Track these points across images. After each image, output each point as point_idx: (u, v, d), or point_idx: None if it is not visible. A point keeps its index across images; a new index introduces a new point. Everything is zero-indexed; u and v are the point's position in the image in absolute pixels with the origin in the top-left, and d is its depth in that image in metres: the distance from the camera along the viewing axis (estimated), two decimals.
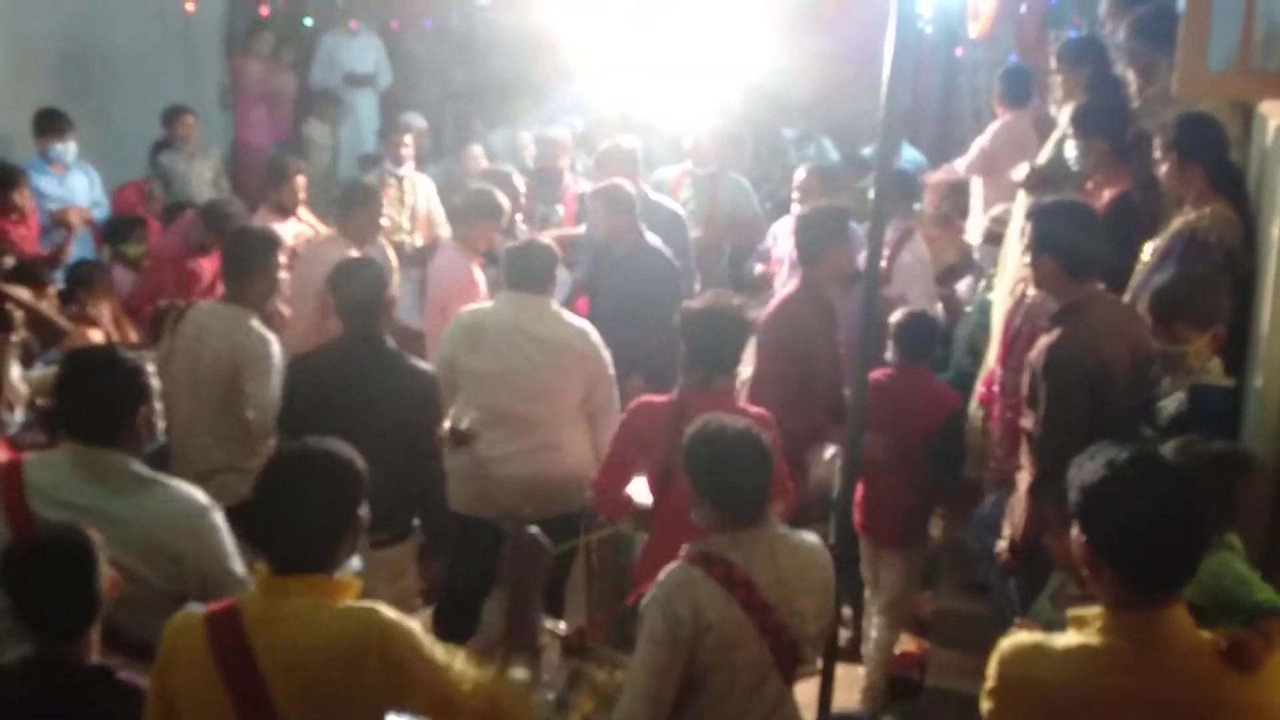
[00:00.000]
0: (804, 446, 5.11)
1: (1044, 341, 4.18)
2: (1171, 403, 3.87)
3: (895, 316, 5.47)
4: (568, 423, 5.04)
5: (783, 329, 5.19)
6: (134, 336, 6.31)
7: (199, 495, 3.27)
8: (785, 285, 6.07)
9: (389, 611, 2.75)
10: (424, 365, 4.77)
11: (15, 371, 4.88)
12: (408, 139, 7.87)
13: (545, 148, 7.70)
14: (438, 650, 2.80)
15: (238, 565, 3.24)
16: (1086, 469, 2.52)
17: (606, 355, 5.08)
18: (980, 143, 7.42)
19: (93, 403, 3.23)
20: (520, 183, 6.94)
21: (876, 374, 5.20)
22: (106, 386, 3.24)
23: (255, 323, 4.75)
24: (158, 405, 3.36)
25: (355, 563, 2.96)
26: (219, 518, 3.26)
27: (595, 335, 5.10)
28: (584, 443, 5.07)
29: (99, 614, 2.81)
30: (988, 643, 2.68)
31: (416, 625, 2.81)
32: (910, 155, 8.65)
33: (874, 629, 5.48)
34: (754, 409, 4.44)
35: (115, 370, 3.27)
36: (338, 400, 4.37)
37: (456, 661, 2.81)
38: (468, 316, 5.17)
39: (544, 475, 4.94)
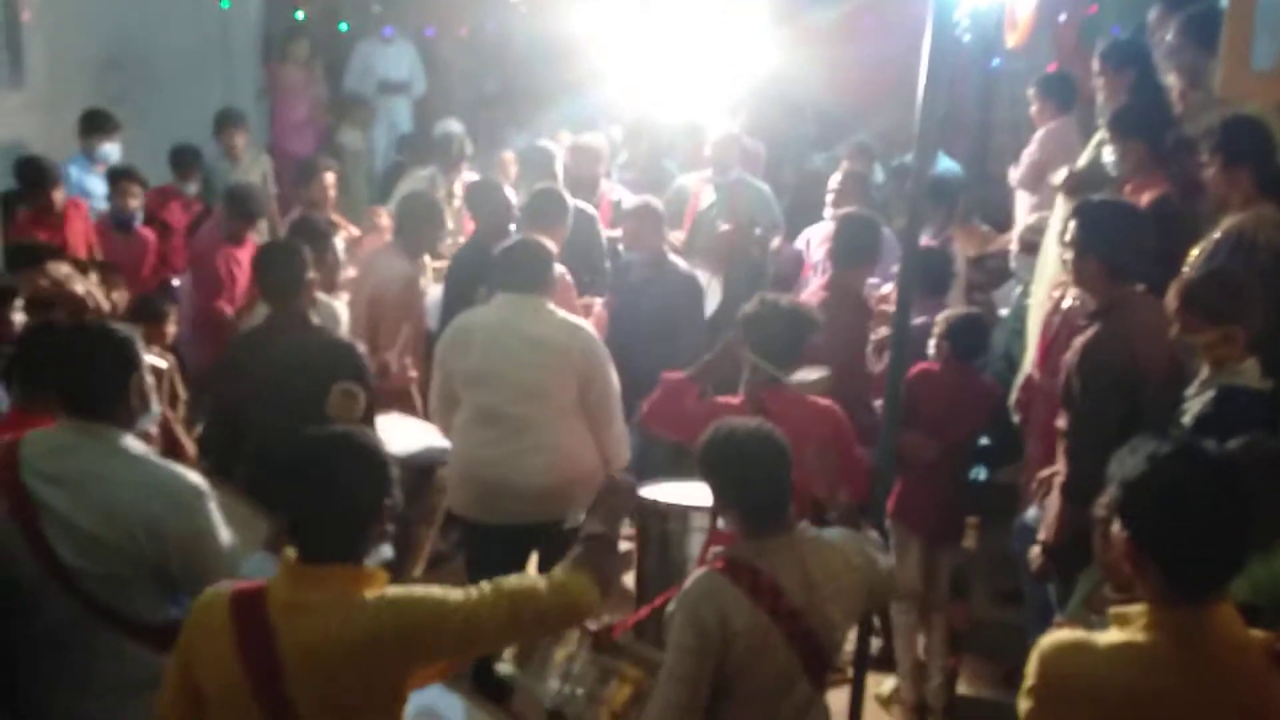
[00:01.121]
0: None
1: (1080, 341, 4.13)
2: (1197, 403, 3.81)
3: (943, 315, 5.41)
4: (564, 423, 4.88)
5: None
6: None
7: (192, 476, 3.25)
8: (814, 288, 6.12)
9: (394, 590, 2.73)
10: (347, 340, 4.97)
11: None
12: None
13: (581, 155, 7.67)
14: (456, 594, 2.78)
15: (223, 554, 3.21)
16: (1128, 463, 2.46)
17: (601, 351, 4.94)
18: (1029, 154, 7.28)
19: (84, 375, 3.22)
20: (510, 193, 6.90)
21: (921, 368, 5.20)
22: (98, 358, 3.23)
23: None
24: (149, 377, 3.35)
25: (386, 550, 2.92)
26: (211, 504, 3.23)
27: (588, 331, 4.99)
28: (585, 443, 4.93)
29: None
30: (1021, 652, 2.63)
31: (422, 589, 2.79)
32: (945, 164, 8.59)
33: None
34: (824, 402, 4.42)
35: (106, 342, 3.26)
36: (269, 374, 4.51)
37: (472, 593, 2.80)
38: (459, 320, 5.10)
39: (541, 479, 4.79)
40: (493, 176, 7.51)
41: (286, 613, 2.65)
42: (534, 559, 4.93)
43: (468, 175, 8.10)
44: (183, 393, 5.86)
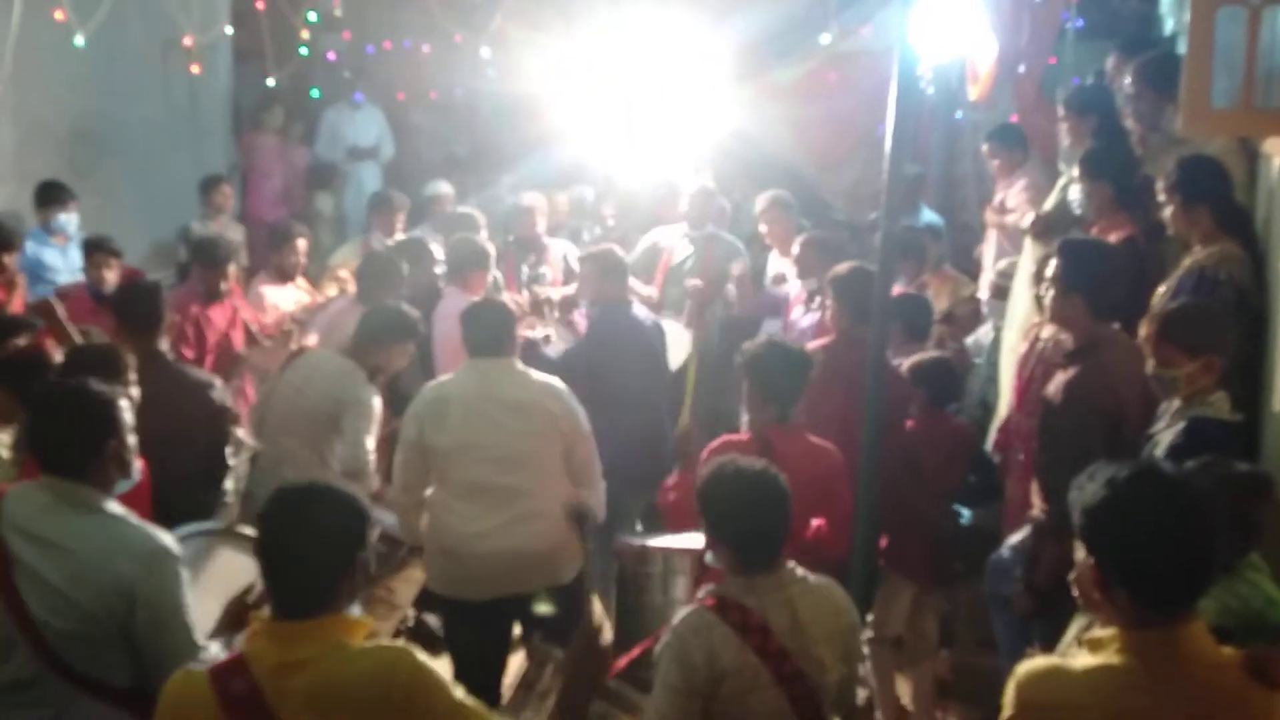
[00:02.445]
0: None
1: (1062, 378, 4.16)
2: (1169, 434, 3.84)
3: (911, 361, 5.42)
4: (550, 488, 4.79)
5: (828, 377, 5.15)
6: None
7: (165, 538, 3.25)
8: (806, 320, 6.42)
9: (419, 654, 2.71)
10: (205, 379, 5.10)
11: None
12: (402, 216, 8.26)
13: (519, 216, 7.79)
14: (460, 693, 2.76)
15: (188, 617, 3.20)
16: (1087, 489, 2.47)
17: (580, 411, 4.90)
18: (1028, 205, 7.22)
19: (63, 436, 3.23)
20: (437, 250, 7.08)
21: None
22: (76, 420, 3.24)
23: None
24: (130, 440, 3.34)
25: (355, 610, 2.88)
26: (180, 566, 3.23)
27: (565, 391, 4.92)
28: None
29: None
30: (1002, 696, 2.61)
31: (443, 671, 2.77)
32: (928, 217, 8.74)
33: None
34: (828, 445, 4.42)
35: (85, 403, 3.27)
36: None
37: (480, 707, 2.79)
38: (430, 392, 4.91)
39: (530, 547, 4.69)
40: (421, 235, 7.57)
41: (276, 674, 2.61)
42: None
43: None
44: None
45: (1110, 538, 2.43)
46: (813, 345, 5.50)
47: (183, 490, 4.49)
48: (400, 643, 2.73)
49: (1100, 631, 2.49)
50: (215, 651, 3.15)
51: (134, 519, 3.26)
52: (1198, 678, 2.38)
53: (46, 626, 3.09)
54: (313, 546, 2.69)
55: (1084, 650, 2.50)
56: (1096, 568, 2.45)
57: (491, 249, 6.90)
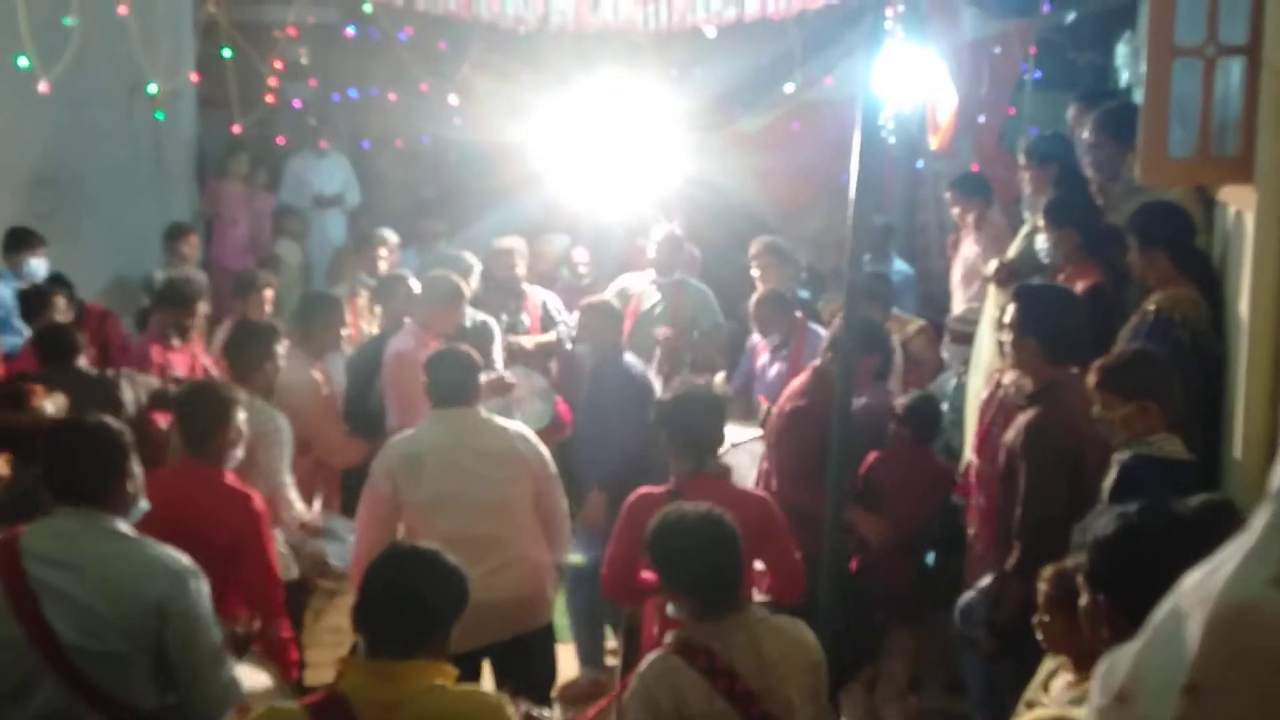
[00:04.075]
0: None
1: (1022, 420, 4.19)
2: (1112, 475, 3.87)
3: (903, 400, 5.48)
4: (526, 534, 4.82)
5: (806, 423, 5.18)
6: None
7: (184, 558, 3.39)
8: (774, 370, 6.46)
9: (502, 697, 2.88)
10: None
11: None
12: (384, 251, 8.19)
13: (499, 259, 7.77)
14: None
15: (214, 632, 3.38)
16: (1097, 525, 2.46)
17: (548, 455, 4.95)
18: (991, 255, 7.22)
19: (85, 467, 3.39)
20: (415, 285, 7.03)
21: (878, 455, 5.30)
22: (97, 451, 3.42)
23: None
24: (137, 470, 3.48)
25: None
26: (204, 585, 3.38)
27: (534, 436, 4.97)
28: (544, 551, 4.90)
29: None
30: None
31: None
32: (899, 266, 8.84)
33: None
34: (754, 492, 4.41)
35: (103, 435, 3.46)
36: None
37: None
38: (401, 446, 4.86)
39: (511, 594, 4.67)
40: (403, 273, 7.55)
41: (378, 712, 2.70)
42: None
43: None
44: None
45: (1122, 573, 2.40)
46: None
47: None
48: (494, 692, 2.93)
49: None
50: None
51: (155, 542, 3.40)
52: None
53: (77, 651, 3.21)
54: (433, 591, 2.89)
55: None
56: (1106, 604, 2.42)
57: (468, 289, 6.77)
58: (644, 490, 4.40)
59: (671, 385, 4.59)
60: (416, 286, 6.92)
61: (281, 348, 5.47)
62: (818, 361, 5.54)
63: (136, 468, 3.49)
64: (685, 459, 4.34)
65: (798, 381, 5.56)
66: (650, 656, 3.29)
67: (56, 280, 6.94)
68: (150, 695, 3.31)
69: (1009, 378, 4.78)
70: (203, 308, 6.71)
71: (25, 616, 3.20)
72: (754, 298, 7.11)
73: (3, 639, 3.21)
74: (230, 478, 4.34)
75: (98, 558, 3.28)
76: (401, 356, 6.20)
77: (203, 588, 3.37)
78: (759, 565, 4.29)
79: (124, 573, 3.27)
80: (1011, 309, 4.33)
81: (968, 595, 4.75)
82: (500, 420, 4.96)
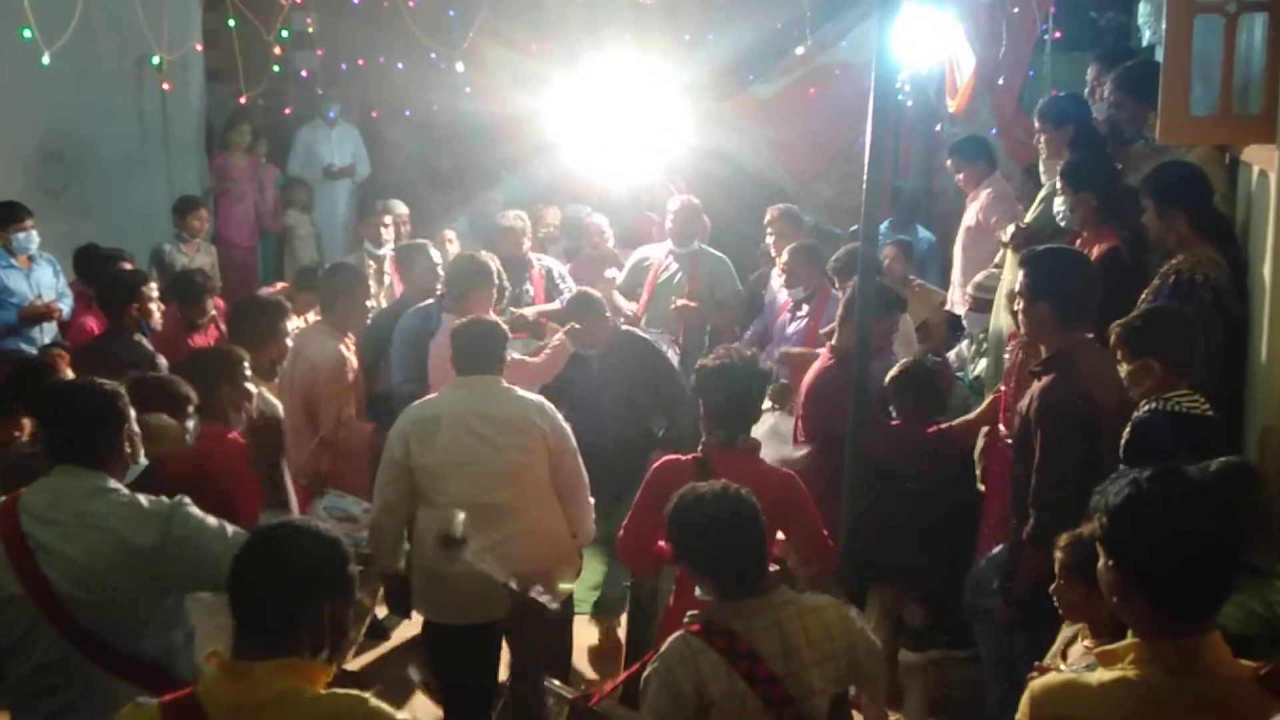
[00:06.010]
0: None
1: (1036, 388, 4.11)
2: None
3: (896, 369, 5.39)
4: (539, 504, 4.75)
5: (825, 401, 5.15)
6: None
7: (164, 499, 3.44)
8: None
9: (375, 701, 2.59)
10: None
11: None
12: (388, 219, 8.17)
13: (504, 237, 7.69)
14: None
15: (214, 525, 3.38)
16: (1110, 491, 2.40)
17: (565, 427, 4.86)
18: (998, 221, 7.14)
19: (78, 427, 3.44)
20: (435, 254, 7.09)
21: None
22: (93, 411, 3.45)
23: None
24: (136, 429, 3.54)
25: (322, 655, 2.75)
26: (190, 508, 3.41)
27: (551, 408, 4.88)
28: (559, 523, 4.83)
29: None
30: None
31: (403, 716, 2.64)
32: (923, 234, 8.70)
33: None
34: (780, 470, 4.32)
35: (98, 396, 3.49)
36: None
37: None
38: (415, 411, 4.83)
39: (524, 566, 4.44)
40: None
41: (231, 715, 2.51)
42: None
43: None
44: None
45: (1134, 540, 2.36)
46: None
47: None
48: (355, 691, 2.62)
49: (1114, 645, 2.42)
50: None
51: (144, 496, 3.43)
52: (1216, 691, 2.31)
53: (72, 601, 3.26)
54: (278, 583, 2.59)
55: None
56: (1117, 570, 2.38)
57: (494, 264, 6.49)
58: (670, 458, 4.31)
59: (717, 352, 4.42)
60: (436, 255, 6.86)
61: (288, 325, 5.50)
62: (834, 341, 5.45)
63: (135, 428, 3.54)
64: (719, 430, 4.23)
65: (817, 365, 5.49)
66: (672, 638, 3.21)
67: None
68: (156, 643, 3.36)
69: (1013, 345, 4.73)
70: (210, 301, 6.66)
71: (23, 571, 3.28)
72: (788, 247, 7.01)
73: (7, 594, 3.30)
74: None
75: (85, 514, 3.34)
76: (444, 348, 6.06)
77: (192, 509, 3.40)
78: (780, 536, 4.19)
79: (112, 526, 3.32)
80: (1021, 275, 4.23)
81: (980, 563, 4.68)
82: (520, 391, 4.89)
